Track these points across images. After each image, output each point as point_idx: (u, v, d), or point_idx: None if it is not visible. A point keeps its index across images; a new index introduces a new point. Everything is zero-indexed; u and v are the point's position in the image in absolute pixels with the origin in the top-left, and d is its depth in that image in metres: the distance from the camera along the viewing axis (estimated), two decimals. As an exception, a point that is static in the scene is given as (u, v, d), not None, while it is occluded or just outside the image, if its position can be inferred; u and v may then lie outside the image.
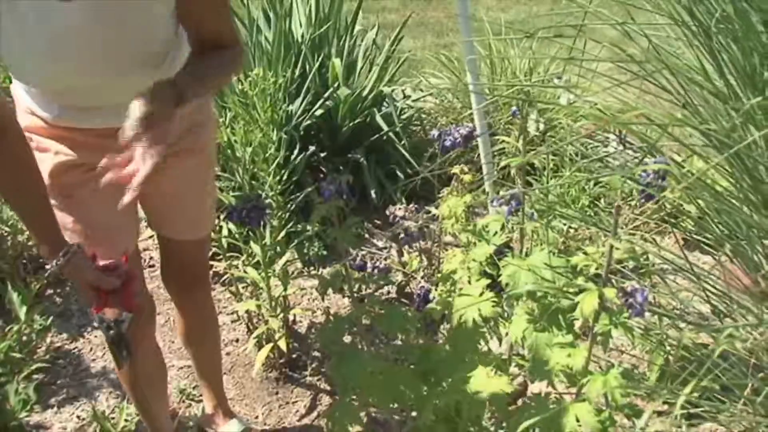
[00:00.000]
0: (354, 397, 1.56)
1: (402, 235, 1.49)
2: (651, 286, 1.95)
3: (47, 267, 1.40)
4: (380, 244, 3.02)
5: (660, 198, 1.16)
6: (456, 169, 1.56)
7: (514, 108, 1.33)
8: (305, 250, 2.80)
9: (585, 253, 1.16)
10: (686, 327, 1.76)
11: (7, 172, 1.38)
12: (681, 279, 2.24)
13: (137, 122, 1.18)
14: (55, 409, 2.38)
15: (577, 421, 1.26)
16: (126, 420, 2.25)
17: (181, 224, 1.85)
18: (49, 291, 2.77)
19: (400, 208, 1.56)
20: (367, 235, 3.04)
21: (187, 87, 1.31)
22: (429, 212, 2.20)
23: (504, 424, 1.61)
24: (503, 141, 1.86)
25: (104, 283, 1.43)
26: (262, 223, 1.62)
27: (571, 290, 1.30)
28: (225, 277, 2.68)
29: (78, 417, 2.36)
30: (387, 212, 1.55)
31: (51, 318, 2.60)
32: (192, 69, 1.41)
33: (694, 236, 1.95)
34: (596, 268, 1.29)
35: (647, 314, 1.86)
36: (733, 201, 1.34)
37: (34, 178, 1.42)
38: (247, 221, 1.51)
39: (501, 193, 1.19)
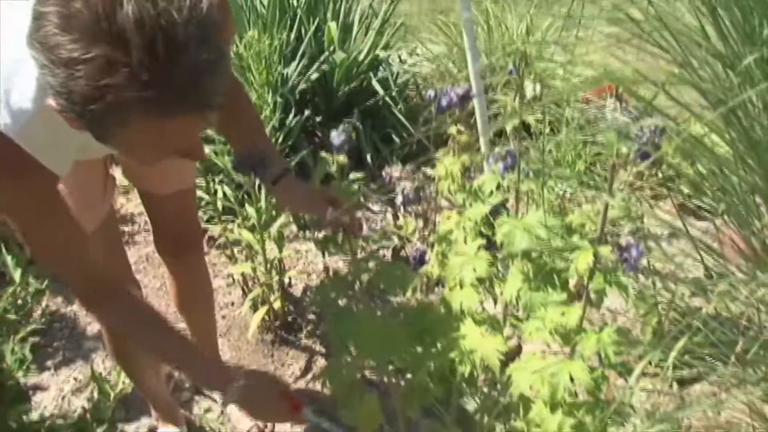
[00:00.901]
0: (349, 357, 1.58)
1: (398, 197, 1.48)
2: (646, 249, 1.96)
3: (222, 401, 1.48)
4: (376, 208, 3.01)
5: (656, 156, 1.16)
6: (452, 130, 1.55)
7: (510, 67, 1.32)
8: (301, 214, 2.80)
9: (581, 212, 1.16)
10: (680, 287, 1.76)
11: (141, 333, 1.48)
12: (676, 244, 2.25)
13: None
14: (52, 371, 2.40)
15: (571, 379, 1.27)
16: (124, 382, 2.26)
17: (160, 177, 1.81)
18: (45, 254, 2.76)
19: (396, 170, 1.54)
20: (362, 200, 3.03)
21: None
22: (425, 174, 2.19)
23: (498, 385, 1.62)
24: (500, 102, 1.86)
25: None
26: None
27: (566, 250, 1.31)
28: (220, 239, 2.68)
29: (75, 379, 2.37)
30: (383, 173, 1.53)
31: (46, 281, 2.60)
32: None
33: (691, 201, 1.96)
34: (592, 229, 1.29)
35: (641, 278, 1.87)
36: (730, 162, 1.33)
37: (167, 329, 1.49)
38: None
39: (497, 150, 1.19)
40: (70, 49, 0.90)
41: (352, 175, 1.43)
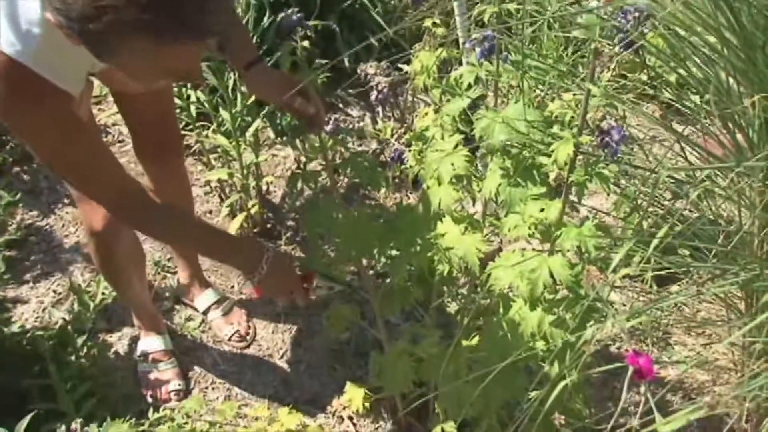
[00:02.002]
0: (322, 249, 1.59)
1: (373, 93, 1.43)
2: (630, 152, 1.93)
3: (252, 280, 1.55)
4: (354, 113, 2.94)
5: (639, 45, 1.10)
6: (428, 22, 1.48)
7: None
8: (277, 120, 2.73)
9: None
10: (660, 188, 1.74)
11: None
12: (657, 148, 2.22)
13: None
14: (31, 284, 2.37)
15: (551, 275, 1.25)
16: (103, 293, 2.24)
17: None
18: (16, 168, 2.69)
19: (371, 66, 1.48)
20: (341, 105, 2.96)
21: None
22: (401, 70, 2.13)
23: (477, 287, 1.61)
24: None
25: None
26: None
27: (546, 144, 1.26)
28: (195, 147, 2.61)
29: (54, 291, 2.35)
30: (358, 70, 1.47)
31: (19, 194, 2.55)
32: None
33: (673, 104, 1.91)
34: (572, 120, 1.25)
35: (622, 181, 1.85)
36: (716, 47, 1.28)
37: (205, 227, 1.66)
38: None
39: (474, 35, 1.13)
40: None
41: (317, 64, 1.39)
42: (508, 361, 1.07)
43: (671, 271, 1.71)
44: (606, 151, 1.00)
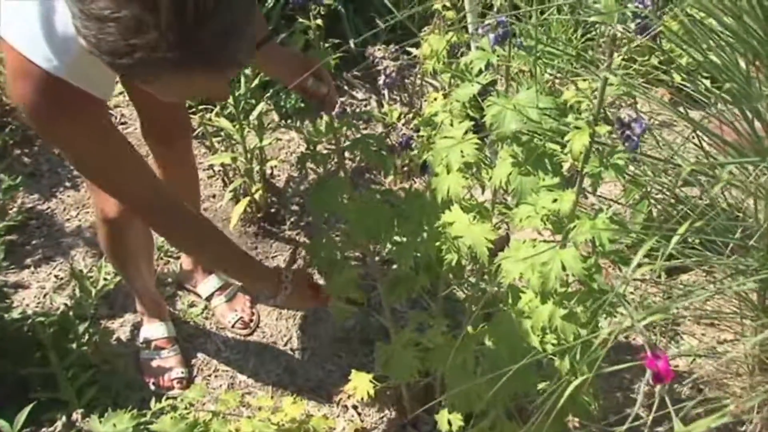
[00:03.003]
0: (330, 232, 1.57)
1: (381, 77, 1.38)
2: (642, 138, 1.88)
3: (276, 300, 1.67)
4: (360, 96, 2.90)
5: (657, 29, 1.05)
6: (438, 5, 1.44)
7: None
8: (282, 102, 2.68)
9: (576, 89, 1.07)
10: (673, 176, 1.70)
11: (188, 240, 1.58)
12: (667, 133, 2.18)
13: None
14: (32, 269, 2.34)
15: (563, 268, 1.22)
16: (105, 279, 2.21)
17: None
18: (16, 151, 2.66)
19: (379, 49, 1.44)
20: (346, 87, 2.92)
21: None
22: (409, 54, 2.08)
23: (485, 276, 1.57)
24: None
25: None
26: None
27: (559, 133, 1.22)
28: (199, 130, 2.57)
29: (56, 276, 2.32)
30: (366, 53, 1.43)
31: (20, 177, 2.51)
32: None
33: (684, 89, 1.87)
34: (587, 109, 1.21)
35: (631, 167, 1.80)
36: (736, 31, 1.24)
37: (228, 242, 1.66)
38: None
39: (487, 20, 1.08)
40: (102, 6, 0.92)
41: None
42: (523, 362, 1.04)
43: (681, 261, 1.68)
44: (627, 144, 0.96)
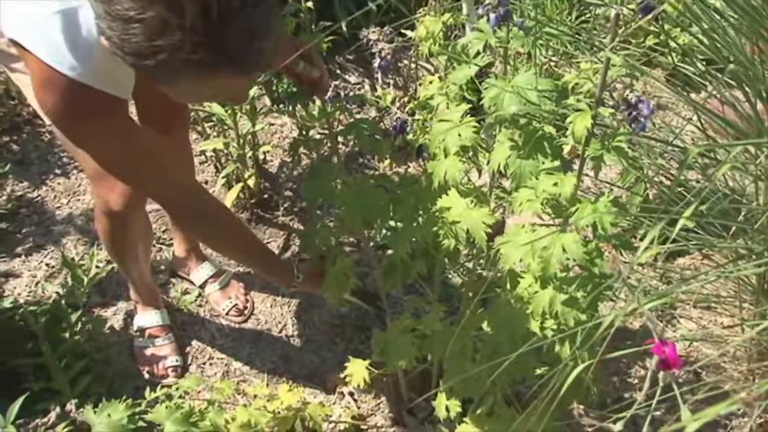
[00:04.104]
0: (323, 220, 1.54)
1: (375, 60, 1.35)
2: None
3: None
4: (353, 79, 2.87)
5: (660, 10, 1.03)
6: (433, -14, 1.41)
7: None
8: (274, 87, 2.65)
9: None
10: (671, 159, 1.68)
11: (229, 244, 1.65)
12: (663, 115, 2.16)
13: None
14: (23, 257, 2.31)
15: (564, 252, 1.20)
16: (97, 266, 2.19)
17: None
18: (5, 138, 2.62)
19: (373, 31, 1.41)
20: (339, 71, 2.88)
21: None
22: (404, 36, 2.05)
23: (482, 260, 1.56)
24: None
25: None
26: None
27: (558, 115, 1.20)
28: (191, 116, 2.54)
29: (47, 265, 2.29)
30: (360, 36, 1.40)
31: (9, 165, 2.48)
32: None
33: (681, 69, 1.85)
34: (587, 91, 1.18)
35: (629, 150, 1.79)
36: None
37: (253, 238, 1.74)
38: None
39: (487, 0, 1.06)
40: (128, 7, 0.94)
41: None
42: (522, 349, 1.02)
43: (680, 244, 1.67)
44: (633, 125, 0.94)
